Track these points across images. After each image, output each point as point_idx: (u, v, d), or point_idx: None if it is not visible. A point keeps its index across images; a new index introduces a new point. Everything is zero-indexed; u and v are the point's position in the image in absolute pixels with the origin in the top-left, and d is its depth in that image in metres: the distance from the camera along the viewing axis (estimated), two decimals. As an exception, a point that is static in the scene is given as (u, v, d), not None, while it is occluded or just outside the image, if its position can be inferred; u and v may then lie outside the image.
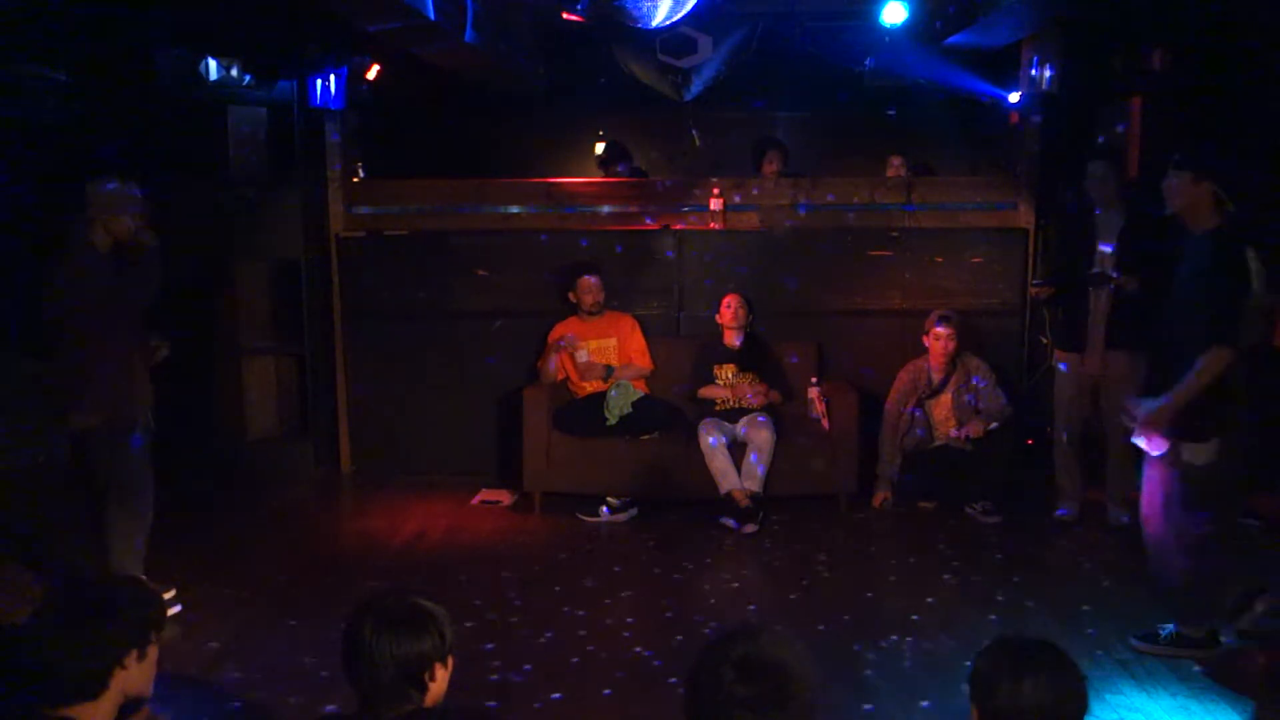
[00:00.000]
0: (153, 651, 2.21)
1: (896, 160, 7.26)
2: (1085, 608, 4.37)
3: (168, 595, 4.39)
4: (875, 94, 7.46)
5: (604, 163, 7.64)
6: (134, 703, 2.21)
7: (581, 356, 5.96)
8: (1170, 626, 3.96)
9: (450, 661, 2.14)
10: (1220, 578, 3.93)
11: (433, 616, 2.12)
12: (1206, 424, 3.80)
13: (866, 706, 3.58)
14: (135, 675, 2.17)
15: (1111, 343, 5.26)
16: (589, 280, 6.05)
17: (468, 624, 4.23)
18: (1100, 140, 6.55)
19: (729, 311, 6.01)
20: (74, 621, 2.12)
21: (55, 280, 4.31)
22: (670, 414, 5.92)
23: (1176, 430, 3.82)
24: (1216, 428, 3.80)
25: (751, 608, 4.59)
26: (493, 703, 3.60)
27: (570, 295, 6.11)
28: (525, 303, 6.41)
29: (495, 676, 3.82)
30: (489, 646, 4.05)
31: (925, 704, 3.59)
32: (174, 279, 6.11)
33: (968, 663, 3.77)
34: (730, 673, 1.74)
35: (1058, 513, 5.53)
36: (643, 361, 6.11)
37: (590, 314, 6.07)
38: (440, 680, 2.12)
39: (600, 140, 8.50)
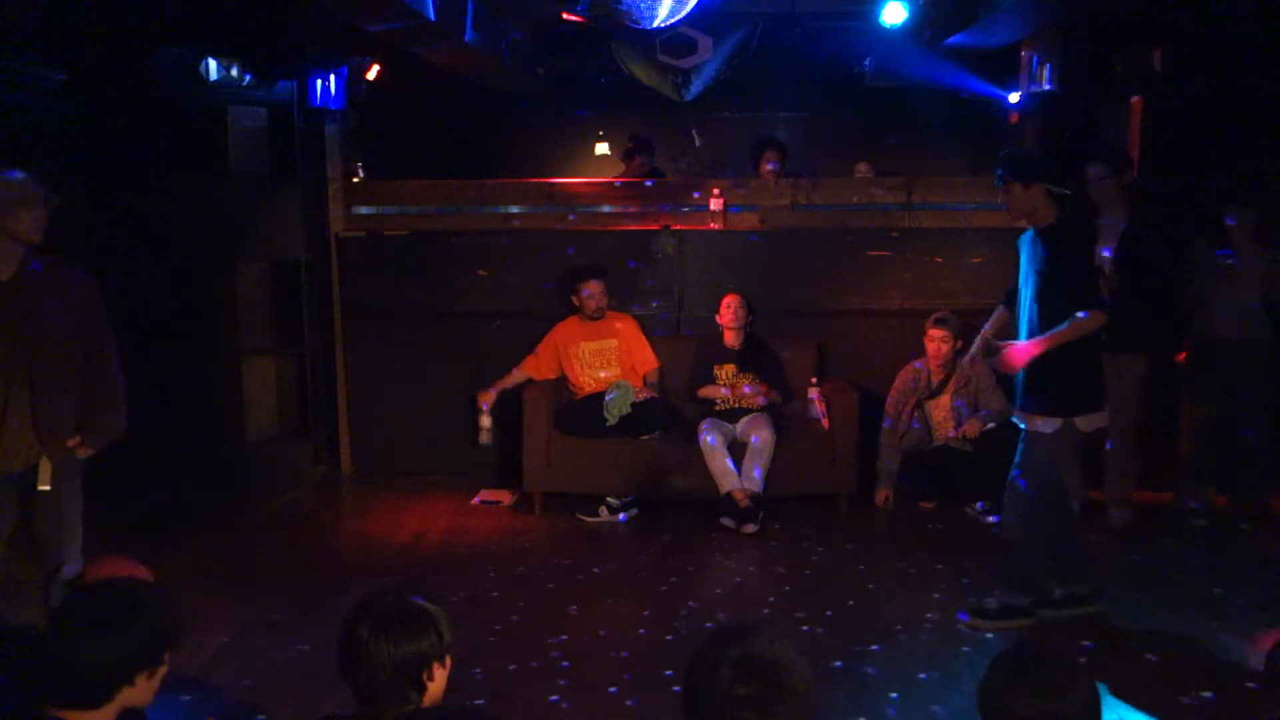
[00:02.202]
0: (162, 670, 2.21)
1: (863, 167, 7.19)
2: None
3: None
4: (875, 94, 7.46)
5: (627, 154, 7.53)
6: (132, 712, 2.21)
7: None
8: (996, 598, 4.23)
9: (449, 660, 2.15)
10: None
11: (430, 616, 2.12)
12: (1096, 396, 4.11)
13: (864, 706, 3.58)
14: (141, 691, 2.16)
15: (1109, 345, 5.26)
16: (594, 285, 6.03)
17: (467, 623, 4.23)
18: (1103, 141, 6.55)
19: (729, 312, 6.00)
20: (95, 629, 2.10)
21: None
22: (670, 414, 5.92)
23: (1068, 406, 4.04)
24: (1104, 398, 4.14)
25: (754, 605, 4.58)
26: (493, 702, 3.60)
27: (573, 299, 6.11)
28: (525, 303, 6.41)
29: (495, 676, 3.82)
30: (489, 646, 4.06)
31: (925, 703, 3.60)
32: (174, 279, 6.16)
33: (948, 649, 3.82)
34: (729, 672, 1.74)
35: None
36: (654, 361, 6.14)
37: (592, 318, 6.07)
38: (439, 680, 2.12)
39: (600, 140, 8.51)
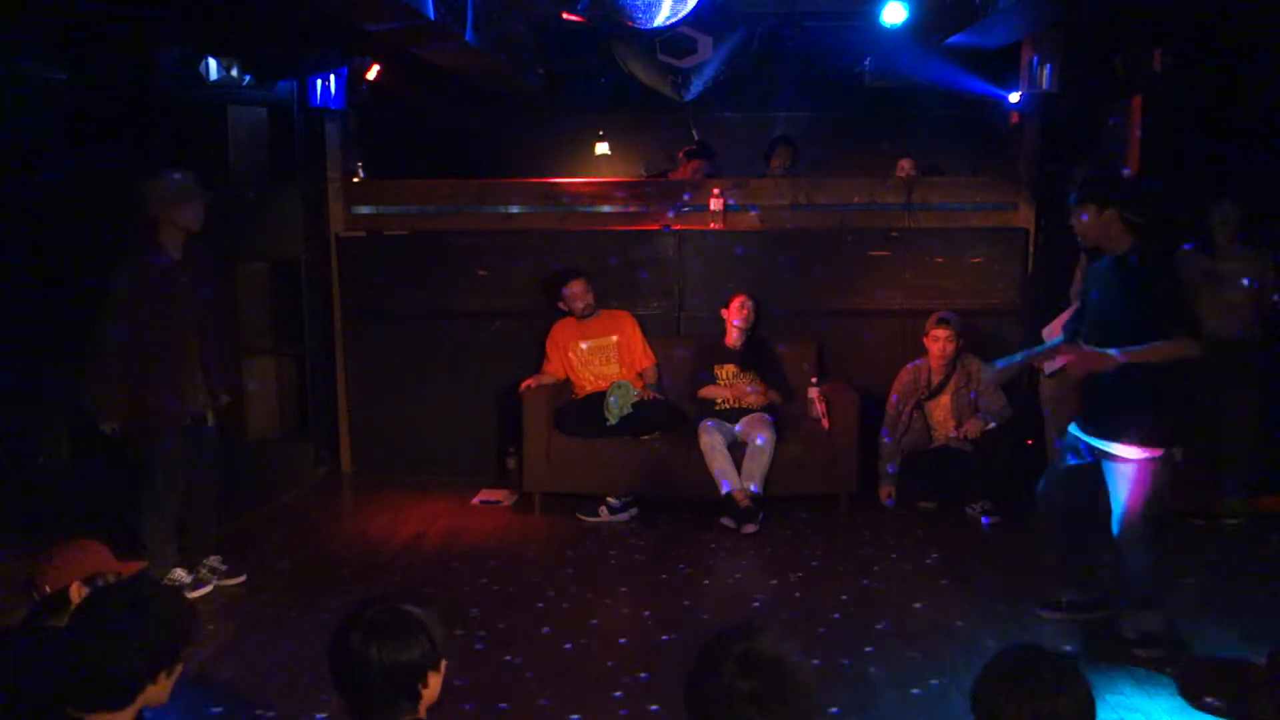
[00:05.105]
0: (179, 667, 2.20)
1: (906, 163, 7.18)
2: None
3: (239, 579, 4.80)
4: (875, 94, 7.45)
5: (689, 154, 7.47)
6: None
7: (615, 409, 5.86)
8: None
9: (443, 666, 2.10)
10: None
11: (421, 623, 2.05)
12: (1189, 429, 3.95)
13: (864, 704, 3.58)
14: (161, 689, 2.16)
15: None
16: (574, 286, 6.04)
17: (468, 623, 4.23)
18: (1087, 144, 6.53)
19: (742, 311, 5.99)
20: (120, 632, 2.09)
21: (112, 290, 4.36)
22: (670, 414, 5.92)
23: (1169, 438, 3.84)
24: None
25: (754, 604, 4.58)
26: (491, 702, 3.60)
27: (560, 304, 6.11)
28: (525, 303, 6.41)
29: (493, 676, 3.82)
30: (487, 646, 4.06)
31: (924, 702, 3.60)
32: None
33: (947, 649, 3.81)
34: (732, 668, 1.75)
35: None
36: (651, 358, 6.14)
37: (585, 317, 6.07)
38: (434, 687, 2.07)
39: (600, 140, 8.49)
